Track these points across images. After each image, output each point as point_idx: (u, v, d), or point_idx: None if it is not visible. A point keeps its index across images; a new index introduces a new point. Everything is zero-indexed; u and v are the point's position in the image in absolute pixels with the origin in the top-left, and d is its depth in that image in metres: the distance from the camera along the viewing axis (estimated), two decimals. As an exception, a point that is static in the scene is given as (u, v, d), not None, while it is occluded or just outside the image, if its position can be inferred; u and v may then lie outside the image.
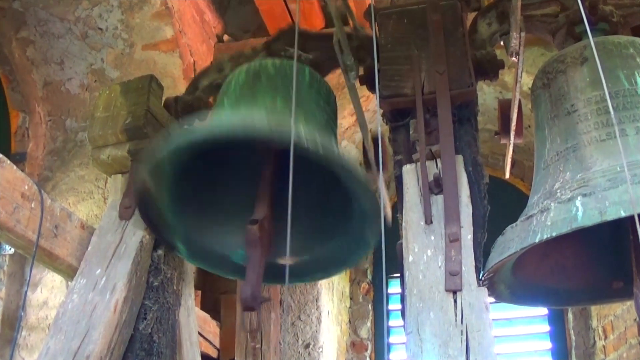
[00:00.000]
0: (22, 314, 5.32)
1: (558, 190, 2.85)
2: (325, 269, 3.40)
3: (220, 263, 3.39)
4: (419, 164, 3.01)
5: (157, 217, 3.22)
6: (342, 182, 2.97)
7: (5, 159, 3.04)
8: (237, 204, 3.39)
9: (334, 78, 3.68)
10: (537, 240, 2.66)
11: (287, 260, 3.22)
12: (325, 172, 2.96)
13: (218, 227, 3.36)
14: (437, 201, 2.88)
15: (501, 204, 3.35)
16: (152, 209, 3.19)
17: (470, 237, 2.76)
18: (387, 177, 3.33)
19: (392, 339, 7.41)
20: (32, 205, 3.15)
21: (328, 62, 3.61)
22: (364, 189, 2.92)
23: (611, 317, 6.40)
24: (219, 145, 3.01)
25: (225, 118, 3.23)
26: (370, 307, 7.78)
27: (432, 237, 2.78)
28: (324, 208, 3.31)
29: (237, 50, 3.82)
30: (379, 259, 7.75)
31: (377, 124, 3.10)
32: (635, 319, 6.00)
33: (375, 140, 3.23)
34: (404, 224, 2.89)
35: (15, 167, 3.12)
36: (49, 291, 5.44)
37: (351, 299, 7.87)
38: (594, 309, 6.70)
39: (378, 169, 2.92)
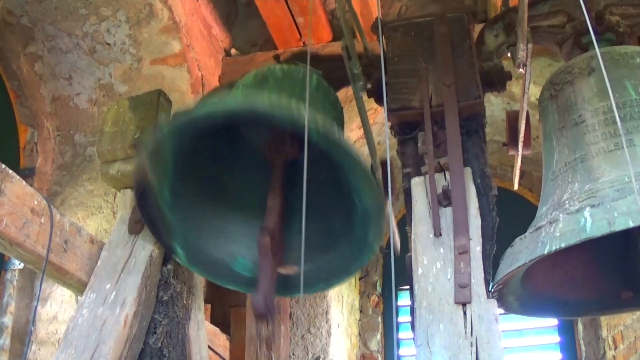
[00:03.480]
0: (32, 328, 5.32)
1: (566, 201, 2.85)
2: (327, 279, 3.34)
3: (218, 270, 3.38)
4: (427, 176, 3.01)
5: (156, 212, 3.22)
6: (344, 177, 2.97)
7: (14, 174, 3.05)
8: (240, 211, 3.40)
9: (342, 92, 3.68)
10: (546, 252, 2.66)
11: (290, 270, 3.21)
12: (328, 173, 2.97)
13: (219, 233, 3.36)
14: (446, 213, 2.89)
15: (510, 215, 3.36)
16: (151, 204, 3.19)
17: (479, 249, 2.76)
18: (396, 198, 3.31)
19: (402, 351, 7.40)
20: (42, 220, 3.16)
21: (337, 81, 3.62)
22: (365, 180, 2.90)
23: (621, 327, 6.39)
24: (222, 144, 3.02)
25: (226, 99, 3.20)
26: (380, 319, 7.78)
27: (441, 250, 2.79)
28: (327, 213, 3.29)
29: (245, 64, 3.83)
30: (388, 271, 7.75)
31: (386, 137, 3.10)
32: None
33: (384, 163, 3.21)
34: (413, 236, 2.90)
35: (24, 182, 3.12)
36: (58, 306, 5.44)
37: (361, 311, 7.87)
38: (604, 319, 6.69)
39: (387, 190, 2.90)
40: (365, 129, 3.46)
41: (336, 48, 3.56)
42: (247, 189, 3.43)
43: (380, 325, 7.76)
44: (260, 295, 3.03)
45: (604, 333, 6.69)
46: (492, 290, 2.87)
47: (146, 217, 3.24)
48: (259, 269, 3.12)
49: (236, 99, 3.09)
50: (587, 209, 2.65)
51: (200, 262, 3.38)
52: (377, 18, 3.42)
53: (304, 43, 5.97)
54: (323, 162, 2.90)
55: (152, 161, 3.01)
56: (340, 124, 3.53)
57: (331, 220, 3.28)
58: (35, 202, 3.14)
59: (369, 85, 3.45)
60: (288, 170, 3.29)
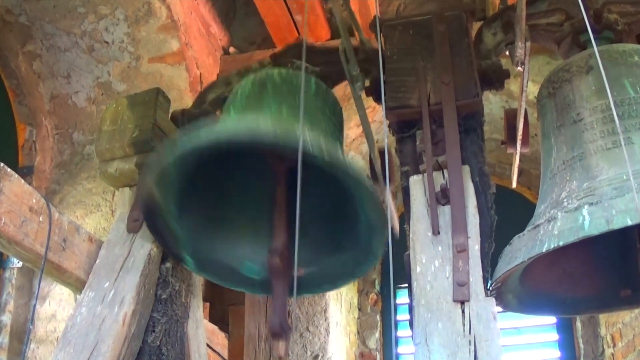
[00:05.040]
0: (31, 327, 5.32)
1: (565, 200, 2.85)
2: (333, 281, 3.40)
3: (227, 275, 3.41)
4: (425, 174, 3.01)
5: (164, 228, 3.23)
6: (348, 191, 2.97)
7: (12, 172, 3.05)
8: (245, 216, 3.41)
9: (340, 89, 3.68)
10: (544, 250, 2.66)
11: (298, 273, 3.23)
12: (333, 183, 2.97)
13: (225, 239, 3.37)
14: (444, 212, 2.89)
15: (508, 213, 3.35)
16: (158, 220, 3.20)
17: (477, 247, 2.76)
18: (393, 189, 3.31)
19: (401, 349, 7.40)
20: (40, 218, 3.16)
21: (335, 75, 3.62)
22: (369, 197, 2.91)
23: (619, 324, 6.40)
24: (226, 154, 3.03)
25: (230, 124, 3.22)
26: (378, 317, 7.78)
27: (440, 248, 2.79)
28: (332, 220, 3.31)
29: (244, 63, 3.83)
30: (387, 269, 7.74)
31: (384, 135, 3.10)
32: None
33: (382, 152, 3.22)
34: (411, 234, 2.90)
35: (22, 180, 3.12)
36: (57, 304, 5.45)
37: (359, 309, 7.87)
38: (602, 317, 6.70)
39: (385, 181, 2.91)
40: (365, 128, 3.46)
41: (333, 45, 3.55)
42: (251, 194, 3.44)
43: (379, 324, 7.76)
44: (275, 316, 3.07)
45: (603, 331, 6.70)
46: (491, 288, 2.87)
47: (155, 232, 3.26)
48: (272, 290, 3.16)
49: (239, 126, 3.07)
50: (586, 207, 2.65)
51: (210, 268, 3.41)
52: (375, 16, 3.41)
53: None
54: (325, 177, 2.91)
55: (158, 185, 3.03)
56: (340, 128, 3.53)
57: (337, 225, 3.31)
58: (34, 201, 3.14)
59: (367, 83, 3.45)
60: (292, 178, 3.29)
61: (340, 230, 3.28)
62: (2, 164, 2.97)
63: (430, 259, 2.77)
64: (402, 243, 3.01)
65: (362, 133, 7.09)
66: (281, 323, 3.04)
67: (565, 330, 7.14)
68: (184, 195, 3.17)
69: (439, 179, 2.98)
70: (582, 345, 6.95)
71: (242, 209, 3.42)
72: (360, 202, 2.99)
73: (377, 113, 6.70)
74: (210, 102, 3.82)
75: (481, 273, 2.70)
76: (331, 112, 3.44)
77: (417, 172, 3.11)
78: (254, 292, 3.45)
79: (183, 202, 3.19)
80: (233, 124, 3.19)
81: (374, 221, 2.99)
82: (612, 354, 6.49)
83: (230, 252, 3.37)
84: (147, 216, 3.19)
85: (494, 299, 2.67)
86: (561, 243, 2.63)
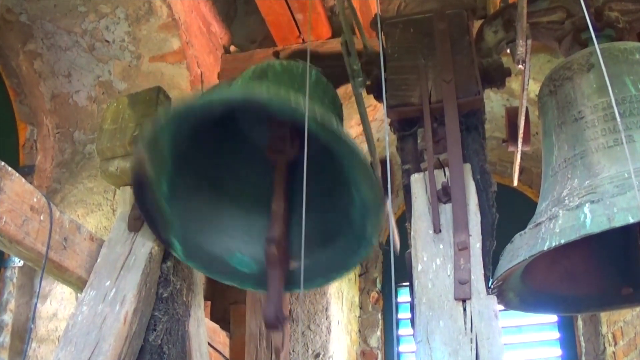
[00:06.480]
0: (32, 326, 5.32)
1: (566, 197, 2.85)
2: (326, 274, 3.36)
3: (216, 265, 3.38)
4: (427, 172, 3.01)
5: (154, 206, 3.23)
6: (343, 171, 2.96)
7: (13, 171, 3.04)
8: (238, 206, 3.40)
9: (341, 89, 3.67)
10: (545, 248, 2.66)
11: (290, 265, 3.22)
12: (327, 165, 2.97)
13: (217, 228, 3.36)
14: (446, 210, 2.89)
15: (509, 211, 3.36)
16: (148, 196, 3.18)
17: (479, 245, 2.76)
18: (394, 195, 3.30)
19: (402, 347, 7.40)
20: (41, 217, 3.15)
21: (337, 78, 3.61)
22: (363, 172, 2.89)
23: (621, 323, 6.39)
24: (224, 135, 3.02)
25: (225, 91, 3.21)
26: (379, 316, 7.77)
27: (441, 246, 2.79)
28: (325, 209, 3.28)
29: (245, 61, 3.84)
30: (388, 268, 7.74)
31: (385, 134, 3.10)
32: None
33: (383, 161, 3.21)
34: (412, 233, 2.90)
35: (23, 179, 3.12)
36: (58, 303, 5.44)
37: (361, 308, 7.87)
38: (604, 315, 6.69)
39: (387, 191, 2.90)
40: (364, 126, 3.45)
41: (335, 45, 3.55)
42: (246, 185, 3.43)
43: (380, 322, 7.76)
44: (270, 306, 3.06)
45: (604, 329, 6.69)
46: (492, 286, 2.87)
47: (144, 210, 3.24)
48: (268, 279, 3.14)
49: (234, 90, 3.09)
50: (587, 205, 2.65)
51: (198, 257, 3.38)
52: (376, 14, 3.41)
53: (302, 40, 5.97)
54: (321, 157, 2.91)
55: (150, 152, 3.02)
56: (340, 119, 3.52)
57: (329, 215, 3.27)
58: (35, 200, 3.14)
59: (368, 82, 3.44)
60: (291, 169, 3.28)
61: (334, 219, 3.25)
62: (2, 163, 2.97)
63: (431, 257, 2.77)
64: (403, 241, 3.01)
65: (362, 132, 7.10)
66: (277, 314, 3.03)
67: (567, 328, 7.14)
68: (178, 177, 3.18)
69: (440, 177, 2.98)
70: (583, 344, 6.95)
71: (237, 199, 3.41)
72: (354, 179, 2.96)
73: (378, 111, 6.70)
74: None
75: (482, 271, 2.70)
76: (330, 102, 3.43)
77: (418, 170, 3.12)
78: (243, 286, 3.40)
79: (176, 184, 3.19)
80: (227, 90, 3.18)
81: (367, 199, 2.96)
82: (614, 352, 6.49)
83: (221, 242, 3.35)
84: (138, 190, 3.17)
85: (495, 297, 2.67)
86: (562, 241, 2.63)
